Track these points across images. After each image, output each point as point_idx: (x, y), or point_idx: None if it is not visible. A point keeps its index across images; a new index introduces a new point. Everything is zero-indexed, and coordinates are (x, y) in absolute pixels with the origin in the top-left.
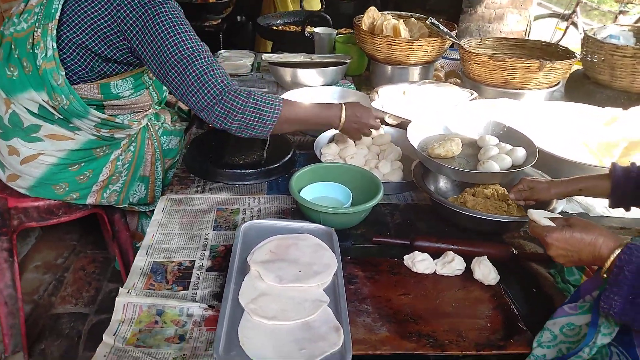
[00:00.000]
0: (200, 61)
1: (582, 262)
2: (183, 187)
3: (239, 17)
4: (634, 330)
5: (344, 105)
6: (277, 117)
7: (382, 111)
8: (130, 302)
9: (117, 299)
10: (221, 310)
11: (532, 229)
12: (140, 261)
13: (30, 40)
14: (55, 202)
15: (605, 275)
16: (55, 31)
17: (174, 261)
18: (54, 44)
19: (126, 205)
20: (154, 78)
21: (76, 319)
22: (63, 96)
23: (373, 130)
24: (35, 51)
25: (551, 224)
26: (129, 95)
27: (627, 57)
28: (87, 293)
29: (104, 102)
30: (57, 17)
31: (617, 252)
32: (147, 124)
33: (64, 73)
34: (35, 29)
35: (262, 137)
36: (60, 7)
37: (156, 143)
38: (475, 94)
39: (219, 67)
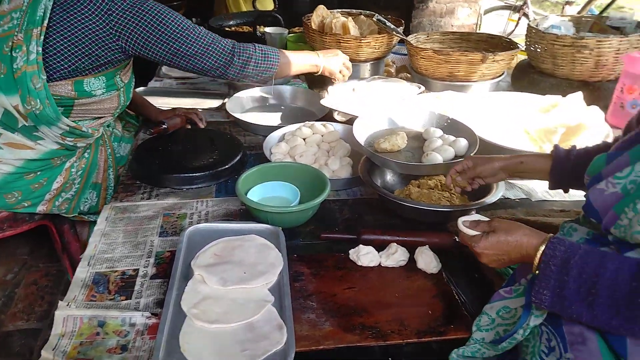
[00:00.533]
0: (202, 30)
1: (513, 262)
2: (128, 195)
3: (194, 19)
4: None
5: (319, 54)
6: (279, 58)
7: (332, 109)
8: (70, 315)
9: (56, 312)
10: (162, 318)
11: (461, 237)
12: (82, 272)
13: (10, 44)
14: (0, 216)
15: (537, 272)
16: (42, 37)
17: (117, 271)
18: (39, 49)
19: (76, 215)
20: (126, 82)
21: (28, 336)
22: (38, 100)
23: (322, 127)
24: (14, 54)
25: (475, 232)
26: (101, 94)
27: (566, 46)
28: (40, 308)
29: (75, 101)
30: (45, 24)
31: (542, 248)
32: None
33: (45, 77)
34: (16, 33)
35: (270, 77)
36: (46, 14)
37: (109, 149)
38: (423, 88)
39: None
